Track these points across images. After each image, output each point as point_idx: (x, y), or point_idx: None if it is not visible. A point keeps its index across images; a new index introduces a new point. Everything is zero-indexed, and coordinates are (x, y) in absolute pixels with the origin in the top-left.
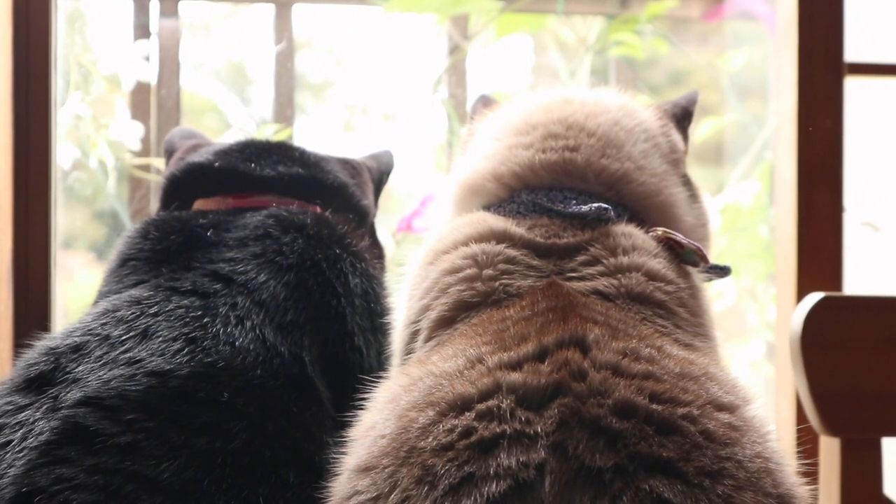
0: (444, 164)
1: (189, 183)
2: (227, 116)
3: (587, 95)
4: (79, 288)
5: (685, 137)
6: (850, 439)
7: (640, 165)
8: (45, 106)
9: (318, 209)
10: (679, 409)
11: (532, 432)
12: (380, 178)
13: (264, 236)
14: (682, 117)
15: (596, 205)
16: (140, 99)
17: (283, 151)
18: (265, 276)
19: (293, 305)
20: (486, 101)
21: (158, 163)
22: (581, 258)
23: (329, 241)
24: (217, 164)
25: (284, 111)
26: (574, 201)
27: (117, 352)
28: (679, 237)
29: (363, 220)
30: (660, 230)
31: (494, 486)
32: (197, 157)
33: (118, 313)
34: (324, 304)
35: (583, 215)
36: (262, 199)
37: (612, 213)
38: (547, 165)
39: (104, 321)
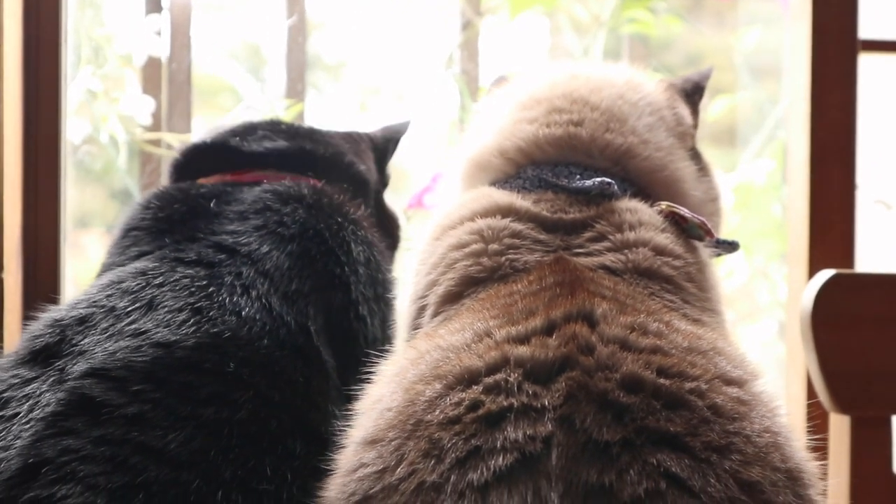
0: (456, 140)
1: (190, 164)
2: (238, 93)
3: (594, 70)
4: (88, 262)
5: (694, 111)
6: (860, 417)
7: (645, 139)
8: (55, 80)
9: (312, 180)
10: (687, 384)
11: (539, 406)
12: (385, 147)
13: (264, 209)
14: (693, 91)
15: (599, 179)
16: (151, 74)
17: (269, 126)
18: (268, 246)
19: (297, 274)
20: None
21: (169, 137)
22: (587, 234)
23: (329, 211)
24: (209, 141)
25: (296, 86)
26: (578, 176)
27: (123, 323)
28: (683, 211)
29: (362, 189)
30: (664, 204)
31: (501, 459)
32: (196, 139)
33: (123, 284)
34: (328, 273)
35: (586, 190)
36: (256, 174)
37: (616, 188)
38: (552, 140)
39: (109, 293)
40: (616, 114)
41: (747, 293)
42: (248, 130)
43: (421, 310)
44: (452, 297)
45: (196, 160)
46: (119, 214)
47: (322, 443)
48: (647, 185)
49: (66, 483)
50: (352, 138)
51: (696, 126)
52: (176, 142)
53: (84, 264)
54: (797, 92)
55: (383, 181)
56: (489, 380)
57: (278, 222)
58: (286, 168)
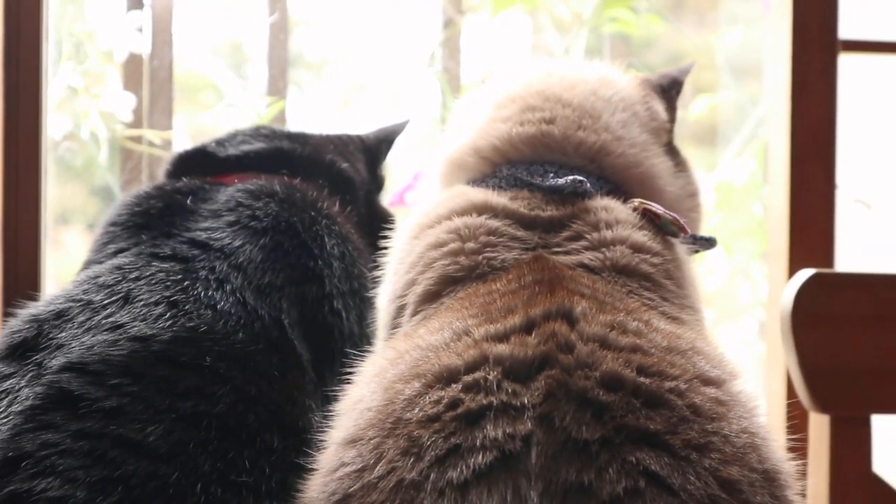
0: (438, 138)
1: (177, 172)
2: (220, 90)
3: (569, 68)
4: (69, 258)
5: (671, 107)
6: (840, 416)
7: (619, 136)
8: (36, 76)
9: (286, 178)
10: (666, 383)
11: (519, 404)
12: (377, 148)
13: (237, 206)
14: (669, 87)
15: (571, 178)
16: (132, 70)
17: (251, 132)
18: (241, 240)
19: (270, 267)
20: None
21: (150, 134)
22: (564, 234)
23: (302, 205)
24: (191, 149)
25: (277, 84)
26: (552, 175)
27: (100, 317)
28: (655, 207)
29: (345, 187)
30: (636, 201)
31: (481, 457)
32: (183, 148)
33: (100, 279)
34: (301, 266)
35: (559, 188)
36: (235, 177)
37: (589, 185)
38: (525, 138)
39: (86, 287)
40: (588, 110)
41: (728, 292)
42: (229, 137)
43: (400, 309)
44: (431, 297)
45: (181, 168)
46: (100, 211)
47: (299, 436)
48: (622, 181)
49: (46, 476)
50: (340, 140)
51: (672, 121)
52: (157, 139)
53: (65, 260)
54: (777, 92)
55: (376, 182)
56: (468, 378)
57: (251, 216)
58: (264, 169)
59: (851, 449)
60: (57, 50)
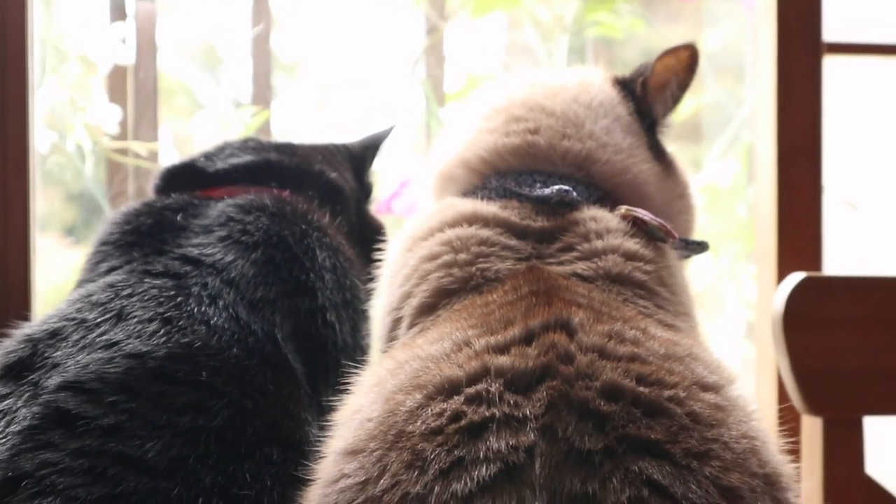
0: (423, 145)
1: (165, 187)
2: (203, 99)
3: (550, 75)
4: (55, 272)
5: (647, 104)
6: (833, 419)
7: (604, 143)
8: (22, 90)
9: (276, 191)
10: (665, 392)
11: (521, 415)
12: (363, 155)
13: (228, 220)
14: (635, 81)
15: (557, 187)
16: (117, 82)
17: (240, 144)
18: (232, 255)
19: (262, 282)
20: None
21: (136, 146)
22: (556, 245)
23: (293, 218)
24: (179, 163)
25: (263, 93)
26: (539, 185)
27: (94, 334)
28: (642, 214)
29: (334, 197)
30: (623, 209)
31: (485, 469)
32: (169, 162)
33: (93, 297)
34: (293, 280)
35: (546, 199)
36: (225, 190)
37: (575, 195)
38: (511, 149)
39: (79, 306)
40: (572, 118)
41: (714, 294)
42: (217, 150)
43: (396, 322)
44: (427, 309)
45: (170, 183)
46: (86, 223)
47: (297, 449)
48: (611, 188)
49: (47, 496)
50: (326, 149)
51: (652, 117)
52: (143, 150)
53: (51, 273)
54: (763, 94)
55: (364, 190)
56: (470, 390)
57: (242, 231)
58: (254, 181)
59: (844, 451)
60: (41, 64)
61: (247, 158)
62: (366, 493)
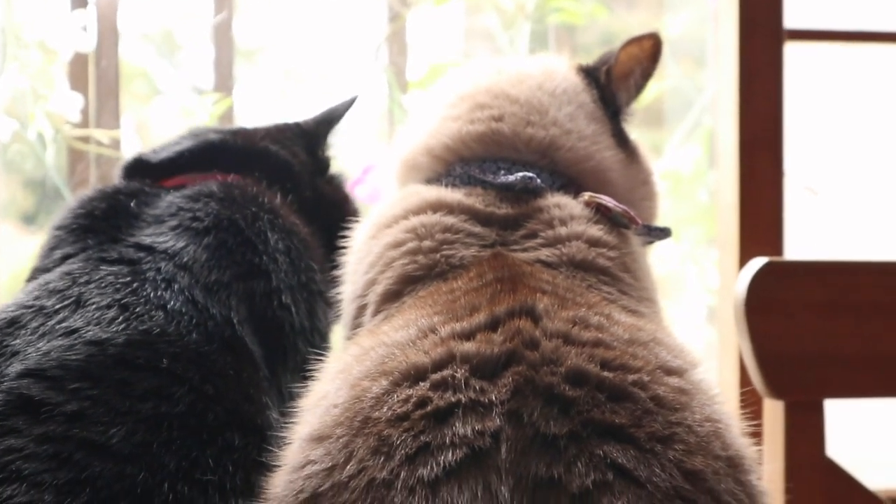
0: (386, 132)
1: (125, 178)
2: (164, 86)
3: (515, 63)
4: (15, 259)
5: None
6: (794, 402)
7: (567, 130)
8: None
9: (220, 176)
10: (629, 376)
11: (487, 401)
12: (315, 130)
13: (178, 210)
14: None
15: (521, 174)
16: (78, 70)
17: (183, 133)
18: (184, 241)
19: (216, 265)
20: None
21: (98, 134)
22: (520, 232)
23: (243, 202)
24: (130, 158)
25: (225, 81)
26: (503, 172)
27: (53, 321)
28: (605, 200)
29: (284, 173)
30: (586, 195)
31: (451, 454)
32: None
33: (50, 285)
34: (246, 263)
35: (510, 185)
36: (176, 180)
37: (539, 182)
38: (475, 137)
39: (36, 294)
40: (536, 106)
41: (676, 278)
42: (166, 142)
43: (361, 308)
44: (392, 296)
45: (126, 178)
46: (47, 211)
47: (258, 434)
48: (575, 175)
49: (12, 483)
50: (274, 128)
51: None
52: (105, 138)
53: (6, 261)
54: (725, 81)
55: (319, 164)
56: (436, 376)
57: (192, 218)
58: (197, 167)
59: (805, 434)
60: (1, 52)
61: (187, 144)
62: (332, 479)
